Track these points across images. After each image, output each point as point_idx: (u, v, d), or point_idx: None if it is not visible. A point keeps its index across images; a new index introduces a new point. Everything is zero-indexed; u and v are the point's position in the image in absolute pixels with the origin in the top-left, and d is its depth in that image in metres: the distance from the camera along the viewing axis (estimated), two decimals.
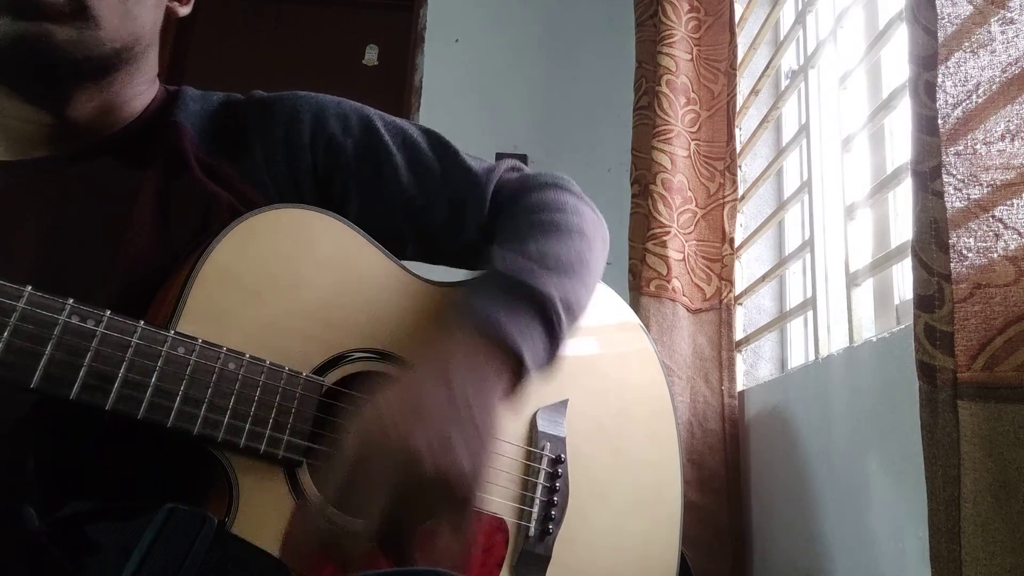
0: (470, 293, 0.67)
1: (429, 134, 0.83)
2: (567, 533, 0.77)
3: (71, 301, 0.55)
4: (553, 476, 0.78)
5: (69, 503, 0.57)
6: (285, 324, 0.66)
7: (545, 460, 0.78)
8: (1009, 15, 0.63)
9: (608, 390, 0.85)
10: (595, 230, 0.80)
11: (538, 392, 0.79)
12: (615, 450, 0.83)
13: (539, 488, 0.77)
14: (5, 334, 0.52)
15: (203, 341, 0.60)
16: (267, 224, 0.67)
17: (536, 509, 0.76)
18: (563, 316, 0.69)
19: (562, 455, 0.78)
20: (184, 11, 0.79)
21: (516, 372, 0.65)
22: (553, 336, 0.68)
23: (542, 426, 0.78)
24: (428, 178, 0.80)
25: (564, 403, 0.80)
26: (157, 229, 0.69)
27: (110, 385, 0.56)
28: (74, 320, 0.55)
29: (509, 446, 0.76)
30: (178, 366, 0.59)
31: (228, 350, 0.61)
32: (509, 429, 0.76)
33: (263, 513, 0.62)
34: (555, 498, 0.77)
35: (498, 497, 0.74)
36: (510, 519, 0.75)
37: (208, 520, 0.56)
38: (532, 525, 0.75)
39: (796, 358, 1.33)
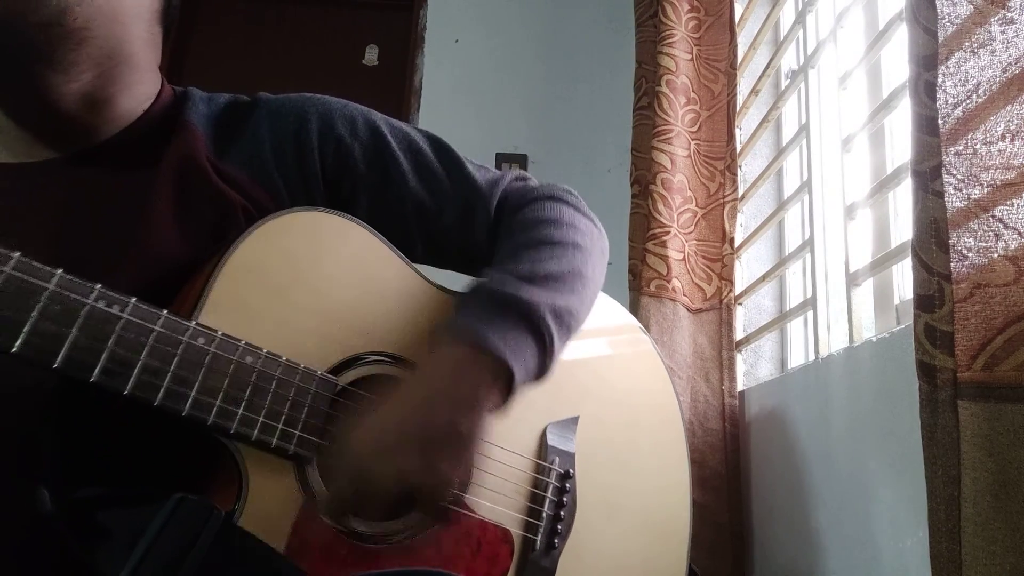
0: (457, 310, 0.69)
1: (433, 140, 0.83)
2: (573, 548, 0.78)
3: (99, 286, 0.57)
4: (561, 491, 0.78)
5: (81, 488, 0.59)
6: (305, 323, 0.66)
7: (554, 475, 0.78)
8: (1009, 15, 0.63)
9: (618, 403, 0.85)
10: (593, 242, 0.80)
11: (549, 408, 0.79)
12: (624, 464, 0.84)
13: (547, 502, 0.77)
14: (34, 313, 0.54)
15: (223, 334, 0.61)
16: (290, 226, 0.68)
17: (543, 523, 0.76)
18: (552, 325, 0.69)
19: (571, 470, 0.79)
20: None
21: (507, 382, 0.67)
22: (543, 345, 0.69)
23: (552, 441, 0.78)
24: (435, 183, 0.80)
25: (575, 420, 0.81)
26: (174, 230, 0.69)
27: (130, 370, 0.57)
28: (100, 305, 0.56)
29: (519, 458, 0.76)
30: (197, 356, 0.60)
31: (247, 344, 0.62)
32: (519, 441, 0.77)
33: (272, 506, 0.62)
34: (562, 512, 0.77)
35: (505, 508, 0.75)
36: (516, 531, 0.75)
37: (215, 512, 0.57)
38: (539, 538, 0.76)
39: (796, 358, 1.33)
